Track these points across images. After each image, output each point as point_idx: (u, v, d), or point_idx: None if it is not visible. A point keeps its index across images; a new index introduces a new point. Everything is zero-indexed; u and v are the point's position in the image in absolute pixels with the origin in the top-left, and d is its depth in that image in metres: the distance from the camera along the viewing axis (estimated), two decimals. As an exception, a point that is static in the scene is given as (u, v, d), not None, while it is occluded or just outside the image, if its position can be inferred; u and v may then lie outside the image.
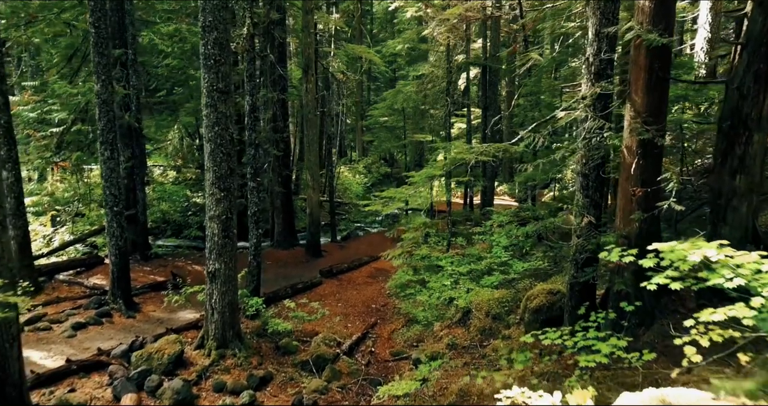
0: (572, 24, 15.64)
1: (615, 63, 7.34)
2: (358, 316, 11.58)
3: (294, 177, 22.23)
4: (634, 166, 6.13)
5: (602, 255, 4.18)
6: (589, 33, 6.67)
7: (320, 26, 23.11)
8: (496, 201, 23.62)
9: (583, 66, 6.89)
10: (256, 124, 10.59)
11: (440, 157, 31.44)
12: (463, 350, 9.01)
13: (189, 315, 10.75)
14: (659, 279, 3.59)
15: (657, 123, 6.03)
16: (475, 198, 23.17)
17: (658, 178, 6.07)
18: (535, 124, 6.60)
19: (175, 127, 28.32)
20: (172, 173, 26.90)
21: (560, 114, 6.33)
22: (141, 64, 18.53)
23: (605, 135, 6.36)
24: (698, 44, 13.74)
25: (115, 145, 10.12)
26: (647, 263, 3.71)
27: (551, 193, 21.44)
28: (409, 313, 10.92)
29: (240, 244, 16.65)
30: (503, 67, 23.19)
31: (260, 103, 16.09)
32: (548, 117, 6.67)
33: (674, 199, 5.75)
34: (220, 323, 8.68)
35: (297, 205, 21.43)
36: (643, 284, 3.66)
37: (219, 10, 7.78)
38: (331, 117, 22.16)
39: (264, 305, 10.23)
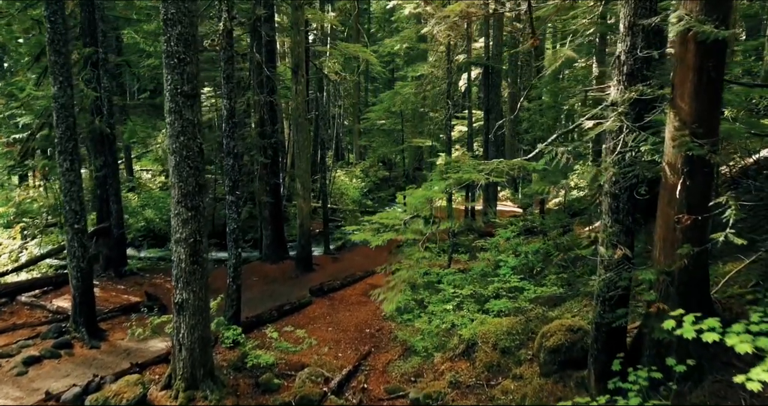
0: (584, 20, 14.55)
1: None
2: (350, 343, 10.47)
3: (287, 183, 21.13)
4: (679, 187, 5.03)
5: (667, 324, 3.07)
6: (621, 25, 5.56)
7: (314, 25, 21.99)
8: (499, 207, 22.57)
9: (611, 66, 5.78)
10: (234, 131, 9.47)
11: (440, 160, 30.27)
12: (467, 389, 7.90)
13: (161, 344, 9.63)
14: (764, 375, 2.49)
15: (708, 135, 4.92)
16: (476, 204, 22.11)
17: (710, 204, 4.98)
18: (556, 136, 5.49)
19: (164, 130, 27.27)
20: (161, 178, 25.88)
21: (587, 123, 5.22)
22: (126, 64, 17.39)
23: (643, 150, 5.25)
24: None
25: (75, 155, 9.00)
26: (742, 346, 2.60)
27: (558, 199, 20.32)
28: (406, 341, 9.81)
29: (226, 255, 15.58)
30: (505, 67, 22.12)
31: (245, 106, 15.01)
32: (572, 126, 5.55)
33: (732, 231, 4.64)
34: (189, 360, 7.57)
35: (289, 211, 20.33)
36: (739, 380, 2.57)
37: (183, 1, 6.66)
38: (325, 120, 21.06)
39: (243, 335, 9.11)
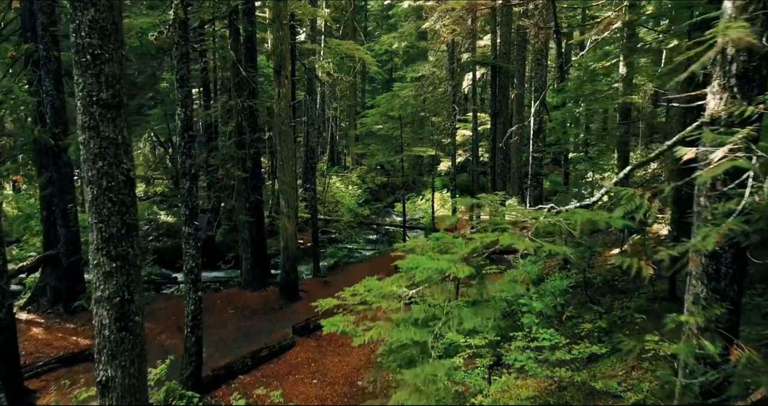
0: (609, 14, 12.71)
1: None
2: (338, 402, 8.62)
3: (276, 193, 19.29)
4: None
5: None
6: (726, 4, 3.73)
7: (306, 20, 20.13)
8: (507, 217, 20.74)
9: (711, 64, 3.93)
10: (191, 147, 7.61)
11: (443, 166, 28.26)
12: None
13: (102, 409, 7.76)
14: None
15: None
16: (482, 212, 20.36)
17: None
18: (630, 169, 3.66)
19: (145, 135, 25.49)
20: (141, 186, 24.40)
21: (688, 152, 3.38)
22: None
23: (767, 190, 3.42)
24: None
25: (-12, 177, 7.16)
26: None
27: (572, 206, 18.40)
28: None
29: (210, 274, 13.79)
30: (510, 66, 20.32)
31: (220, 111, 13.19)
32: (653, 154, 3.72)
33: None
34: (119, 455, 5.70)
35: (276, 225, 18.50)
36: None
37: (96, -25, 4.80)
38: (315, 125, 19.20)
39: (201, 403, 7.27)
